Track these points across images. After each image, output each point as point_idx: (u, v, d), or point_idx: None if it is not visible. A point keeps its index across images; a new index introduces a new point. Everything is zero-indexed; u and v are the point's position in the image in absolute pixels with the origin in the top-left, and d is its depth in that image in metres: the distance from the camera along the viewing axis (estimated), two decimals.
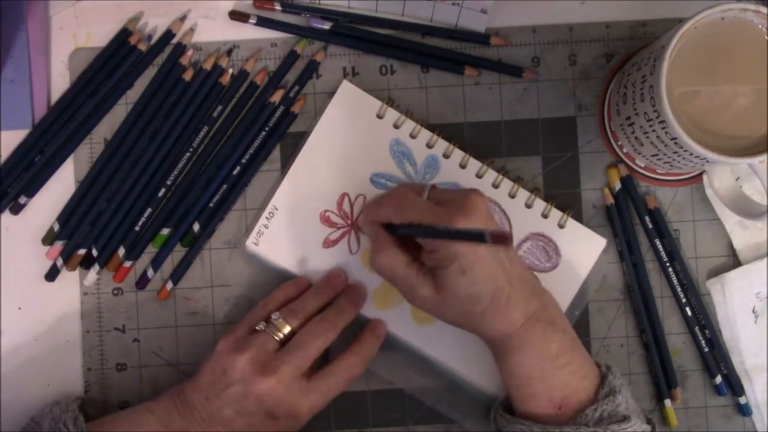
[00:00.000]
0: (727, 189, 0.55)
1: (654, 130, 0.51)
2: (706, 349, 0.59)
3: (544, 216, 0.58)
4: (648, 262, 0.59)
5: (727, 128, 0.50)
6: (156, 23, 0.60)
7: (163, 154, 0.59)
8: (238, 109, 0.60)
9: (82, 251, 0.58)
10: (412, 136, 0.59)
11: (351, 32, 0.60)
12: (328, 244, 0.58)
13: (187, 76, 0.59)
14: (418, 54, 0.60)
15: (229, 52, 0.60)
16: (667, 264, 0.59)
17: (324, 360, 0.55)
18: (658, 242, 0.59)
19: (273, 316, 0.54)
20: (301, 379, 0.52)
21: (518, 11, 0.60)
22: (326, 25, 0.59)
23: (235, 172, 0.59)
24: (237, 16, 0.59)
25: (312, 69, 0.60)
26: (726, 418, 0.60)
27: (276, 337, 0.53)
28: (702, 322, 0.59)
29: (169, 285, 0.59)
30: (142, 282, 0.59)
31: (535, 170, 0.60)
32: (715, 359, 0.59)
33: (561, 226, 0.58)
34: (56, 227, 0.59)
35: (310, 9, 0.59)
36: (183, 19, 0.60)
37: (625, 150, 0.59)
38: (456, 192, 0.50)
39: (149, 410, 0.53)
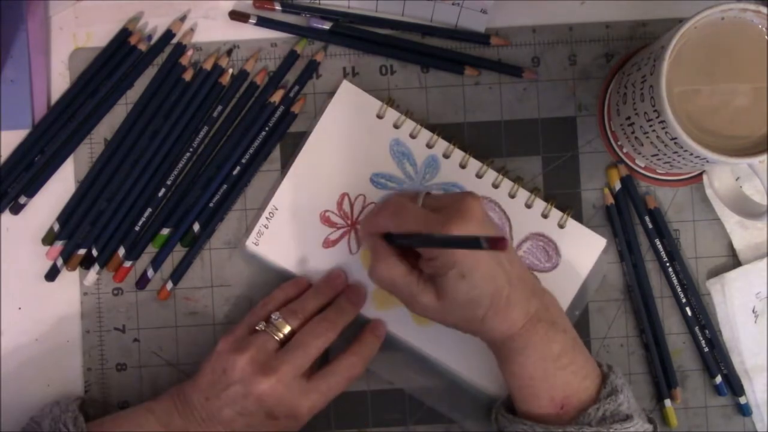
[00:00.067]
0: (727, 189, 0.55)
1: (654, 130, 0.51)
2: (706, 349, 0.59)
3: (544, 216, 0.58)
4: (648, 262, 0.59)
5: (727, 128, 0.50)
6: (156, 23, 0.60)
7: (163, 154, 0.59)
8: (238, 109, 0.60)
9: (82, 251, 0.58)
10: (412, 136, 0.59)
11: (351, 32, 0.60)
12: (328, 244, 0.58)
13: (187, 76, 0.59)
14: (418, 54, 0.60)
15: (229, 52, 0.60)
16: (667, 264, 0.59)
17: (324, 360, 0.55)
18: (658, 242, 0.59)
19: (273, 316, 0.54)
20: (301, 379, 0.52)
21: (518, 11, 0.60)
22: (326, 25, 0.59)
23: (235, 172, 0.59)
24: (237, 16, 0.59)
25: (312, 69, 0.60)
26: (726, 418, 0.60)
27: (276, 337, 0.53)
28: (702, 322, 0.59)
29: (169, 285, 0.59)
30: (142, 282, 0.59)
31: (535, 170, 0.60)
32: (715, 359, 0.59)
33: (561, 226, 0.58)
34: (56, 227, 0.59)
35: (310, 9, 0.59)
36: (183, 19, 0.60)
37: (625, 150, 0.59)
38: (451, 197, 0.51)
39: (149, 410, 0.53)
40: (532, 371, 0.50)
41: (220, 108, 0.59)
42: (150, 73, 0.59)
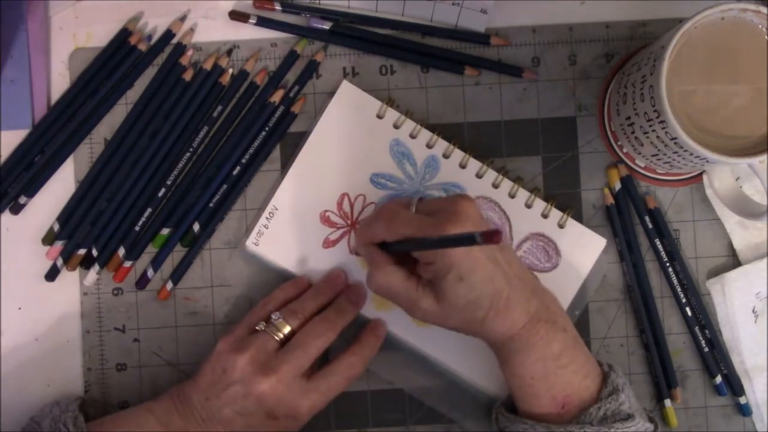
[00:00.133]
0: (727, 189, 0.55)
1: (654, 130, 0.51)
2: (706, 349, 0.59)
3: (544, 216, 0.58)
4: (648, 262, 0.59)
5: (727, 128, 0.50)
6: (156, 23, 0.60)
7: (163, 154, 0.59)
8: (238, 109, 0.60)
9: (82, 251, 0.58)
10: (412, 136, 0.59)
11: (351, 32, 0.60)
12: (328, 244, 0.58)
13: (187, 76, 0.59)
14: (418, 54, 0.60)
15: (229, 52, 0.60)
16: (667, 264, 0.59)
17: (324, 360, 0.55)
18: (658, 242, 0.59)
19: (273, 316, 0.54)
20: (301, 379, 0.52)
21: (518, 11, 0.60)
22: (326, 25, 0.59)
23: (235, 172, 0.59)
24: (237, 16, 0.59)
25: (312, 69, 0.60)
26: (726, 418, 0.60)
27: (276, 337, 0.53)
28: (702, 322, 0.59)
29: (169, 285, 0.59)
30: (142, 282, 0.59)
31: (535, 170, 0.60)
32: (715, 359, 0.59)
33: (561, 226, 0.58)
34: (56, 227, 0.59)
35: (310, 9, 0.59)
36: (183, 19, 0.60)
37: (625, 150, 0.59)
38: (444, 200, 0.51)
39: (149, 410, 0.53)
40: (532, 370, 0.50)
41: (220, 108, 0.59)
42: (150, 73, 0.59)
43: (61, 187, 0.59)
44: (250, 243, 0.58)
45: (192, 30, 0.60)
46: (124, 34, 0.59)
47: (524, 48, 0.60)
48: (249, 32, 0.60)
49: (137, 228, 0.59)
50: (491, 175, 0.59)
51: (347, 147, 0.58)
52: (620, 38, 0.60)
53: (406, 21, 0.60)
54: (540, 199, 0.59)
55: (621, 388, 0.51)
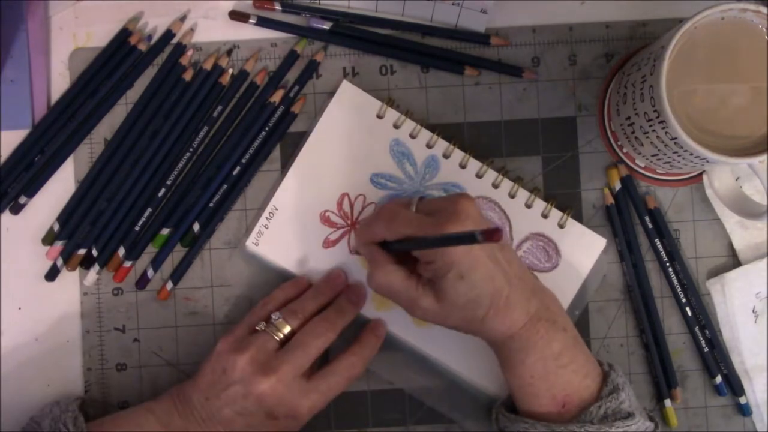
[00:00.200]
0: (727, 189, 0.55)
1: (654, 130, 0.51)
2: (706, 349, 0.59)
3: (544, 216, 0.58)
4: (648, 262, 0.59)
5: (727, 128, 0.50)
6: (156, 23, 0.60)
7: (163, 154, 0.59)
8: (238, 109, 0.60)
9: (82, 251, 0.58)
10: (412, 136, 0.59)
11: (351, 32, 0.60)
12: (328, 244, 0.58)
13: (187, 76, 0.59)
14: (418, 54, 0.60)
15: (229, 52, 0.60)
16: (667, 264, 0.59)
17: (324, 360, 0.55)
18: (658, 242, 0.59)
19: (273, 316, 0.54)
20: (301, 379, 0.52)
21: (518, 11, 0.60)
22: (326, 25, 0.59)
23: (235, 172, 0.59)
24: (237, 16, 0.59)
25: (312, 69, 0.60)
26: (726, 418, 0.60)
27: (276, 337, 0.53)
28: (702, 322, 0.59)
29: (169, 285, 0.59)
30: (142, 282, 0.59)
31: (535, 170, 0.60)
32: (715, 359, 0.59)
33: (561, 226, 0.58)
34: (56, 227, 0.59)
35: (310, 9, 0.59)
36: (183, 19, 0.60)
37: (625, 150, 0.59)
38: (444, 199, 0.51)
39: (149, 410, 0.53)
40: (532, 370, 0.50)
41: (220, 108, 0.59)
42: (150, 73, 0.59)
43: (61, 187, 0.59)
44: (250, 243, 0.58)
45: (192, 30, 0.60)
46: (124, 34, 0.59)
47: (524, 48, 0.60)
48: (249, 32, 0.60)
49: (137, 228, 0.59)
50: (491, 175, 0.59)
51: (347, 147, 0.58)
52: (620, 38, 0.60)
53: (406, 21, 0.60)
54: (540, 199, 0.59)
55: (621, 387, 0.51)
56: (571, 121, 0.60)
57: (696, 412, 0.60)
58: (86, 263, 0.59)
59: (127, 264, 0.59)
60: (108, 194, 0.59)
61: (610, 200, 0.59)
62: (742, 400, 0.59)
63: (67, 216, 0.59)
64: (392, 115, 0.59)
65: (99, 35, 0.60)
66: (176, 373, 0.59)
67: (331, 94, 0.59)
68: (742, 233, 0.59)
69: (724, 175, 0.55)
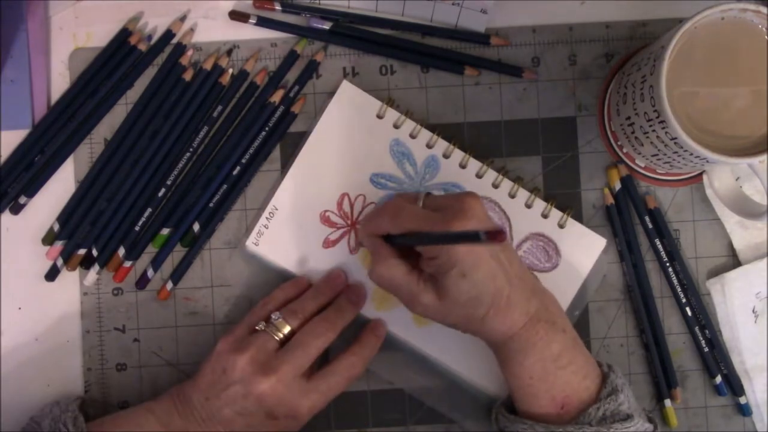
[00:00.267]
0: (727, 189, 0.55)
1: (654, 130, 0.51)
2: (706, 349, 0.59)
3: (544, 216, 0.58)
4: (648, 262, 0.59)
5: (727, 128, 0.50)
6: (156, 23, 0.60)
7: (163, 154, 0.59)
8: (238, 109, 0.60)
9: (82, 251, 0.58)
10: (412, 136, 0.59)
11: (351, 32, 0.60)
12: (328, 244, 0.58)
13: (187, 76, 0.59)
14: (418, 54, 0.60)
15: (229, 52, 0.60)
16: (667, 264, 0.59)
17: (324, 360, 0.55)
18: (658, 242, 0.59)
19: (273, 316, 0.54)
20: (301, 379, 0.52)
21: (518, 11, 0.60)
22: (326, 25, 0.59)
23: (235, 172, 0.59)
24: (237, 16, 0.59)
25: (312, 69, 0.60)
26: (726, 418, 0.60)
27: (276, 337, 0.53)
28: (702, 322, 0.59)
29: (169, 285, 0.59)
30: (142, 282, 0.59)
31: (535, 170, 0.60)
32: (715, 359, 0.59)
33: (561, 226, 0.58)
34: (56, 227, 0.59)
35: (310, 9, 0.59)
36: (183, 19, 0.60)
37: (625, 150, 0.59)
38: (451, 197, 0.51)
39: (149, 410, 0.53)
40: (531, 371, 0.50)
41: (220, 108, 0.59)
42: (150, 73, 0.59)
43: (61, 187, 0.59)
44: (250, 243, 0.58)
45: (192, 30, 0.60)
46: (124, 34, 0.59)
47: (524, 48, 0.60)
48: (249, 32, 0.60)
49: (137, 228, 0.59)
50: (491, 175, 0.59)
51: (347, 147, 0.58)
52: (620, 38, 0.60)
53: (406, 21, 0.60)
54: (540, 199, 0.59)
55: (620, 388, 0.51)
56: (571, 121, 0.60)
57: (696, 412, 0.60)
58: (86, 263, 0.59)
59: (127, 264, 0.59)
60: (108, 194, 0.59)
61: (610, 200, 0.59)
62: (742, 400, 0.59)
63: (67, 216, 0.59)
64: (392, 115, 0.59)
65: (99, 35, 0.60)
66: (176, 373, 0.59)
67: (331, 94, 0.59)
68: (742, 233, 0.59)
69: (724, 175, 0.55)
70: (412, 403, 0.59)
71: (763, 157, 0.49)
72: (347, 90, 0.59)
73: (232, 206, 0.59)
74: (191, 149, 0.59)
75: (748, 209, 0.53)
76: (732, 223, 0.59)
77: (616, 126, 0.57)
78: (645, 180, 0.59)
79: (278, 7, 0.59)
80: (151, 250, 0.59)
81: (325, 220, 0.58)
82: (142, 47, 0.59)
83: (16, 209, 0.59)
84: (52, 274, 0.59)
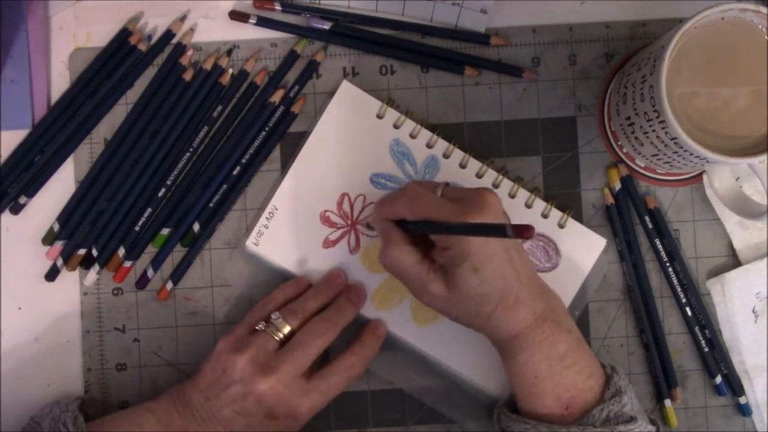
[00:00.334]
0: (727, 189, 0.55)
1: (654, 130, 0.51)
2: (706, 349, 0.59)
3: (544, 216, 0.58)
4: (648, 262, 0.59)
5: (727, 128, 0.50)
6: (156, 23, 0.60)
7: (163, 154, 0.59)
8: (238, 109, 0.60)
9: (82, 251, 0.58)
10: (412, 136, 0.59)
11: (351, 32, 0.60)
12: (328, 244, 0.58)
13: (187, 76, 0.59)
14: (418, 54, 0.60)
15: (229, 52, 0.60)
16: (667, 264, 0.59)
17: (324, 360, 0.55)
18: (658, 242, 0.59)
19: (273, 316, 0.54)
20: (301, 379, 0.52)
21: (518, 11, 0.60)
22: (326, 25, 0.59)
23: (235, 172, 0.59)
24: (237, 16, 0.59)
25: (312, 69, 0.60)
26: (726, 418, 0.60)
27: (276, 337, 0.53)
28: (702, 322, 0.59)
29: (169, 285, 0.59)
30: (142, 282, 0.59)
31: (535, 170, 0.60)
32: (715, 359, 0.59)
33: (561, 226, 0.58)
34: (56, 227, 0.59)
35: (310, 9, 0.59)
36: (183, 19, 0.60)
37: (625, 150, 0.59)
38: (470, 190, 0.50)
39: (149, 410, 0.53)
40: (536, 370, 0.50)
41: (220, 108, 0.59)
42: (150, 73, 0.59)
43: (61, 187, 0.59)
44: (250, 243, 0.58)
45: (192, 30, 0.60)
46: (124, 34, 0.59)
47: (524, 48, 0.60)
48: (249, 32, 0.60)
49: (137, 228, 0.59)
50: (491, 175, 0.59)
51: (347, 147, 0.58)
52: (620, 38, 0.60)
53: (406, 21, 0.60)
54: (540, 199, 0.59)
55: (624, 390, 0.51)
56: (571, 121, 0.60)
57: (696, 412, 0.60)
58: (86, 263, 0.59)
59: (127, 264, 0.59)
60: (108, 194, 0.59)
61: (610, 200, 0.59)
62: (742, 400, 0.59)
63: (67, 216, 0.59)
64: (392, 115, 0.59)
65: (99, 35, 0.60)
66: (176, 373, 0.59)
67: (331, 94, 0.59)
68: (742, 233, 0.59)
69: (724, 175, 0.55)
70: (412, 403, 0.59)
71: (763, 157, 0.49)
72: (347, 90, 0.59)
73: (232, 206, 0.59)
74: (191, 149, 0.59)
75: (748, 209, 0.53)
76: (732, 223, 0.59)
77: (616, 126, 0.57)
78: (645, 180, 0.59)
79: (278, 7, 0.59)
80: (151, 250, 0.59)
81: (325, 220, 0.58)
82: (142, 47, 0.59)
83: (16, 209, 0.59)
84: (52, 274, 0.59)
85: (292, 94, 0.59)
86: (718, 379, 0.59)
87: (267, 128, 0.59)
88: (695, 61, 0.49)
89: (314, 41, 0.60)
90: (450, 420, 0.59)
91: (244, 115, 0.60)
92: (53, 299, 0.59)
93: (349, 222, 0.58)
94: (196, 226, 0.59)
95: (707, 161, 0.50)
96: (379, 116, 0.59)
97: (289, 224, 0.58)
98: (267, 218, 0.58)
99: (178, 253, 0.59)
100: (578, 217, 0.59)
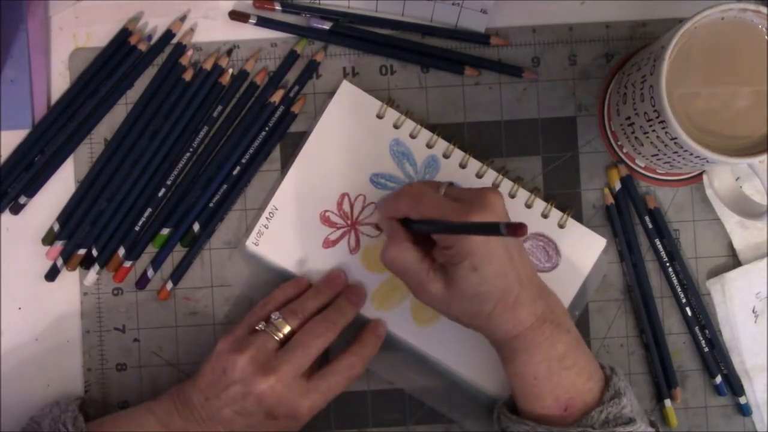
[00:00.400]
0: (727, 189, 0.55)
1: (654, 130, 0.51)
2: (706, 349, 0.59)
3: (544, 216, 0.58)
4: (648, 262, 0.59)
5: (727, 128, 0.50)
6: (156, 23, 0.60)
7: (163, 154, 0.59)
8: (238, 109, 0.60)
9: (82, 251, 0.58)
10: (412, 136, 0.59)
11: (351, 32, 0.60)
12: (328, 244, 0.58)
13: (187, 76, 0.59)
14: (418, 54, 0.60)
15: (229, 52, 0.60)
16: (667, 264, 0.59)
17: (324, 360, 0.55)
18: (658, 242, 0.59)
19: (273, 316, 0.54)
20: (301, 379, 0.52)
21: (518, 11, 0.60)
22: (326, 25, 0.59)
23: (235, 172, 0.59)
24: (237, 16, 0.59)
25: (312, 69, 0.60)
26: (726, 418, 0.60)
27: (276, 337, 0.53)
28: (702, 322, 0.59)
29: (169, 285, 0.59)
30: (142, 282, 0.59)
31: (535, 170, 0.60)
32: (715, 359, 0.59)
33: (561, 226, 0.58)
34: (56, 227, 0.59)
35: (310, 9, 0.59)
36: (183, 19, 0.60)
37: (625, 150, 0.59)
38: (473, 190, 0.50)
39: (149, 410, 0.53)
40: (536, 371, 0.50)
41: (220, 108, 0.59)
42: (150, 73, 0.59)
43: (61, 187, 0.59)
44: (250, 243, 0.58)
45: (192, 30, 0.60)
46: (124, 34, 0.59)
47: (524, 48, 0.60)
48: (249, 32, 0.60)
49: (137, 228, 0.59)
50: (491, 175, 0.59)
51: (347, 147, 0.58)
52: (620, 38, 0.60)
53: (406, 21, 0.60)
54: (540, 199, 0.59)
55: (623, 391, 0.51)
56: (571, 121, 0.60)
57: (696, 412, 0.60)
58: (86, 263, 0.59)
59: (127, 264, 0.59)
60: (108, 194, 0.59)
61: (610, 200, 0.59)
62: (742, 400, 0.59)
63: (67, 216, 0.59)
64: (392, 115, 0.59)
65: (99, 35, 0.60)
66: (176, 373, 0.59)
67: (331, 94, 0.59)
68: (742, 233, 0.59)
69: (724, 175, 0.55)
70: (412, 403, 0.59)
71: (763, 157, 0.49)
72: (347, 90, 0.59)
73: (232, 206, 0.59)
74: (191, 149, 0.59)
75: (748, 209, 0.53)
76: (732, 223, 0.59)
77: (616, 126, 0.57)
78: (645, 180, 0.59)
79: (278, 7, 0.59)
80: (151, 250, 0.59)
81: (325, 220, 0.58)
82: (142, 47, 0.59)
83: (16, 209, 0.59)
84: (52, 274, 0.59)
85: (292, 94, 0.59)
86: (718, 379, 0.59)
87: (267, 128, 0.59)
88: (695, 61, 0.49)
89: (314, 41, 0.60)
90: (450, 420, 0.59)
91: (244, 115, 0.60)
92: (53, 299, 0.59)
93: (349, 222, 0.58)
94: (196, 226, 0.59)
95: (707, 161, 0.50)
96: (379, 116, 0.59)
97: (289, 224, 0.58)
98: (267, 218, 0.58)
99: (178, 253, 0.59)
100: (578, 217, 0.59)
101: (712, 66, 0.49)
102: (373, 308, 0.58)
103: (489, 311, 0.49)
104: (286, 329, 0.53)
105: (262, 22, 0.59)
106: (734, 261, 0.60)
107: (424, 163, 0.59)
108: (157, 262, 0.59)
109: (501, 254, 0.48)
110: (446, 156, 0.59)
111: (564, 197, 0.59)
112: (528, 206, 0.58)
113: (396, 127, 0.59)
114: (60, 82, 0.60)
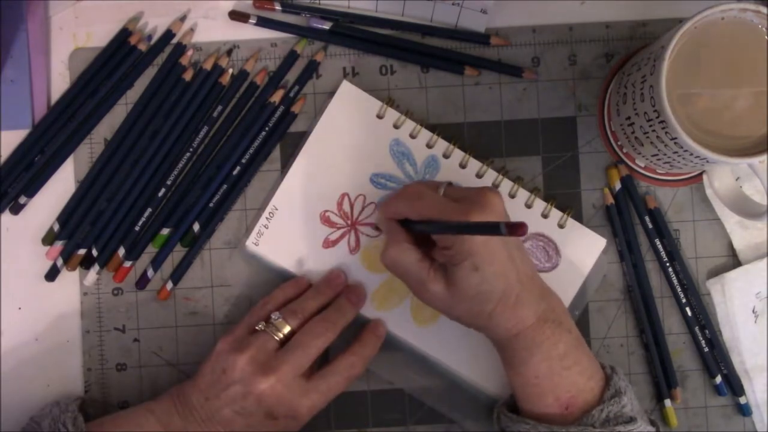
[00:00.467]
0: (727, 189, 0.55)
1: (654, 130, 0.51)
2: (706, 349, 0.59)
3: (544, 216, 0.58)
4: (648, 262, 0.59)
5: (727, 128, 0.50)
6: (156, 23, 0.60)
7: (163, 154, 0.59)
8: (238, 109, 0.60)
9: (82, 251, 0.58)
10: (412, 136, 0.59)
11: (351, 32, 0.60)
12: (328, 244, 0.58)
13: (187, 76, 0.59)
14: (418, 54, 0.60)
15: (229, 52, 0.60)
16: (667, 264, 0.59)
17: (324, 360, 0.55)
18: (658, 242, 0.59)
19: (273, 316, 0.54)
20: (301, 379, 0.52)
21: (518, 11, 0.60)
22: (326, 25, 0.59)
23: (235, 172, 0.59)
24: (237, 16, 0.59)
25: (312, 69, 0.60)
26: (726, 418, 0.60)
27: (276, 337, 0.53)
28: (702, 322, 0.59)
29: (169, 285, 0.59)
30: (142, 282, 0.59)
31: (535, 170, 0.60)
32: (715, 359, 0.59)
33: (561, 226, 0.58)
34: (56, 227, 0.59)
35: (310, 9, 0.59)
36: (183, 19, 0.60)
37: (625, 150, 0.59)
38: (473, 189, 0.50)
39: (149, 410, 0.53)
40: (537, 370, 0.50)
41: (220, 108, 0.59)
42: (150, 73, 0.59)
43: (61, 187, 0.59)
44: (250, 243, 0.58)
45: (192, 30, 0.60)
46: (124, 34, 0.59)
47: (524, 48, 0.60)
48: (249, 32, 0.60)
49: (137, 228, 0.59)
50: (491, 175, 0.59)
51: (347, 147, 0.58)
52: (620, 38, 0.60)
53: (406, 21, 0.60)
54: (540, 199, 0.59)
55: (623, 390, 0.51)
56: (571, 121, 0.60)
57: (696, 412, 0.60)
58: (86, 263, 0.59)
59: (127, 264, 0.59)
60: (108, 194, 0.59)
61: (610, 200, 0.59)
62: (742, 400, 0.59)
63: (67, 216, 0.59)
64: (392, 115, 0.59)
65: (99, 35, 0.60)
66: (176, 373, 0.59)
67: (331, 94, 0.59)
68: (742, 233, 0.59)
69: (724, 175, 0.55)
70: (412, 403, 0.59)
71: (763, 157, 0.49)
72: (347, 90, 0.59)
73: (232, 206, 0.59)
74: (191, 149, 0.59)
75: (748, 209, 0.53)
76: (732, 223, 0.59)
77: (616, 126, 0.57)
78: (645, 180, 0.59)
79: (278, 7, 0.59)
80: (151, 250, 0.59)
81: (325, 220, 0.58)
82: (142, 47, 0.59)
83: (16, 209, 0.59)
84: (52, 274, 0.59)
85: (292, 94, 0.59)
86: (718, 379, 0.59)
87: (267, 128, 0.59)
88: (695, 61, 0.49)
89: (314, 41, 0.60)
90: (450, 420, 0.59)
91: (244, 115, 0.60)
92: (53, 299, 0.59)
93: (349, 222, 0.58)
94: (196, 226, 0.59)
95: (707, 161, 0.50)
96: (379, 116, 0.59)
97: (289, 224, 0.58)
98: (267, 218, 0.58)
99: (178, 253, 0.59)
100: (578, 217, 0.59)
101: (712, 66, 0.49)
102: (373, 308, 0.58)
103: (490, 311, 0.49)
104: (286, 329, 0.53)
105: (262, 22, 0.59)
106: (734, 261, 0.60)
107: (424, 163, 0.59)
108: (157, 262, 0.59)
109: (501, 254, 0.48)
110: (446, 156, 0.59)
111: (564, 197, 0.59)
112: (528, 206, 0.58)
113: (396, 127, 0.59)
114: (60, 82, 0.60)
